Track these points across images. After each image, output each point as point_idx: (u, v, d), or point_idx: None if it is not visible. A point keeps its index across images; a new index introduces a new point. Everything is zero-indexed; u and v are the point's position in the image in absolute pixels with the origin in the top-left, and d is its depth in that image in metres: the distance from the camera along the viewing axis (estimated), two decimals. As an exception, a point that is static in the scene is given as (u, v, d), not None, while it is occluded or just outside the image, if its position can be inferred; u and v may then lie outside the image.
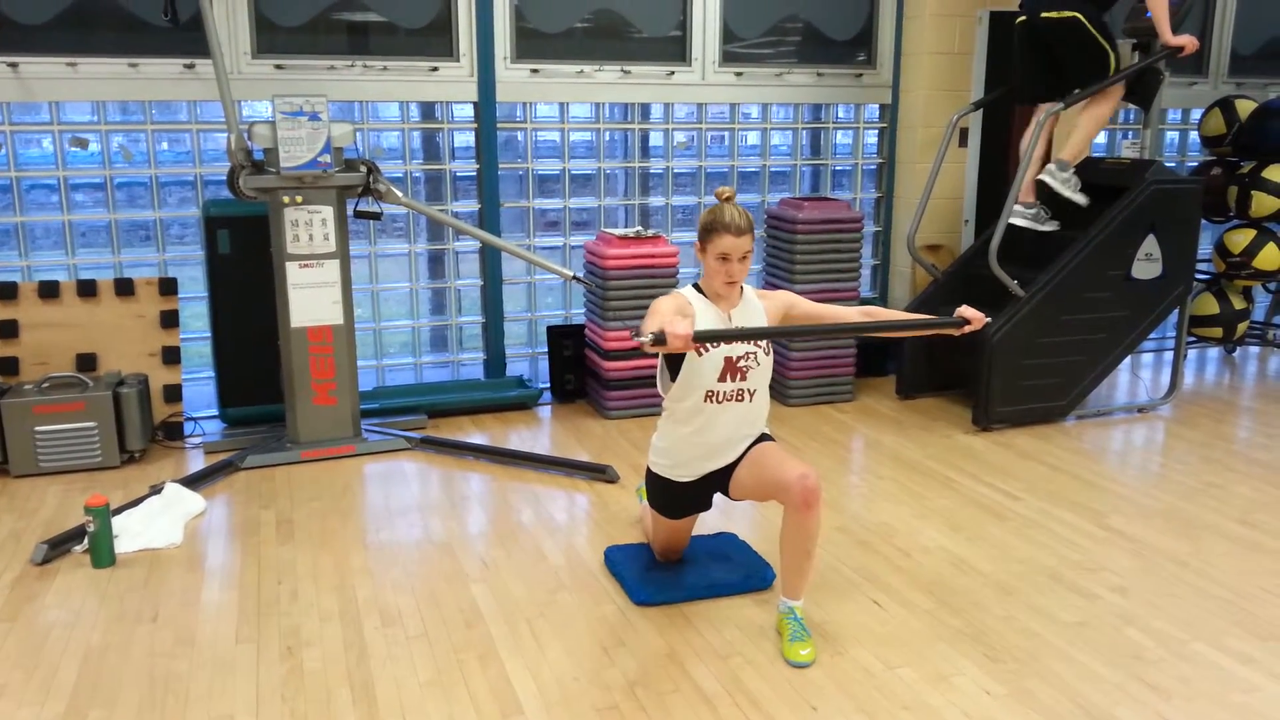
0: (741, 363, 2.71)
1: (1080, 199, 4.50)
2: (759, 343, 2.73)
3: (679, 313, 2.63)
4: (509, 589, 2.97)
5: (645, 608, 2.85)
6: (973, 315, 2.80)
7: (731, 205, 2.68)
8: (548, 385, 4.91)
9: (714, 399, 2.72)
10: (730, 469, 2.81)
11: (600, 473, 3.85)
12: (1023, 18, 4.50)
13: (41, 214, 4.35)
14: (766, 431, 2.85)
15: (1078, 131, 4.53)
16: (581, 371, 4.84)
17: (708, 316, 2.71)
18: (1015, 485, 3.82)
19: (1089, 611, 2.86)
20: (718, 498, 2.89)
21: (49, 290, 4.05)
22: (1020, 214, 4.52)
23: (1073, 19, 4.30)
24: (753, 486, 2.77)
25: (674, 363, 2.71)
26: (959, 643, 2.68)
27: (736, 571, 3.02)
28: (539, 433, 4.46)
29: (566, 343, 4.82)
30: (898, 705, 2.40)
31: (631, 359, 4.51)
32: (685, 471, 2.82)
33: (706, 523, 3.30)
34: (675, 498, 2.88)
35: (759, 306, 2.79)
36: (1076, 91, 4.38)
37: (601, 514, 3.54)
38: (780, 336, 2.78)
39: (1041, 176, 4.55)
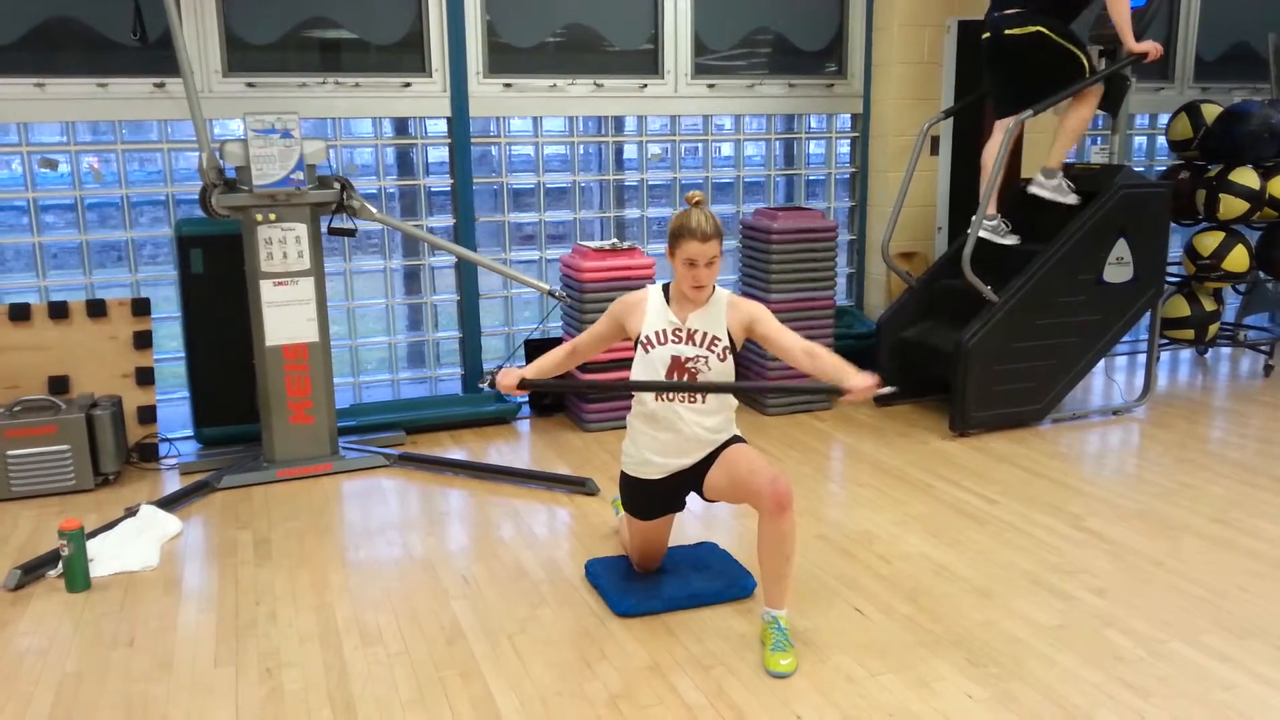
0: (690, 364, 2.74)
1: (1073, 199, 4.55)
2: (712, 346, 2.74)
3: (629, 313, 2.80)
4: (490, 605, 2.95)
5: (627, 619, 2.84)
6: (855, 385, 2.57)
7: (700, 210, 2.68)
8: (526, 399, 4.90)
9: (663, 396, 2.75)
10: (701, 470, 2.81)
11: (580, 485, 3.85)
12: (987, 34, 4.51)
13: (11, 236, 4.31)
14: (737, 433, 2.86)
15: (1061, 136, 4.57)
16: (560, 385, 4.82)
17: (658, 316, 2.77)
18: (993, 490, 3.85)
19: (1068, 614, 2.88)
20: (696, 504, 2.89)
21: (20, 312, 4.00)
22: (984, 226, 4.53)
23: (1036, 34, 4.33)
24: (725, 488, 2.78)
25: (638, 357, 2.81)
26: (940, 648, 2.69)
27: (717, 580, 3.01)
28: (518, 447, 4.45)
29: (544, 356, 4.81)
30: (881, 712, 2.41)
31: (610, 370, 4.50)
32: (650, 469, 2.84)
33: (686, 533, 3.30)
34: (645, 497, 2.89)
35: (722, 314, 2.77)
36: (1054, 97, 4.37)
37: (582, 527, 3.53)
38: (590, 392, 2.83)
39: (1031, 189, 4.59)
